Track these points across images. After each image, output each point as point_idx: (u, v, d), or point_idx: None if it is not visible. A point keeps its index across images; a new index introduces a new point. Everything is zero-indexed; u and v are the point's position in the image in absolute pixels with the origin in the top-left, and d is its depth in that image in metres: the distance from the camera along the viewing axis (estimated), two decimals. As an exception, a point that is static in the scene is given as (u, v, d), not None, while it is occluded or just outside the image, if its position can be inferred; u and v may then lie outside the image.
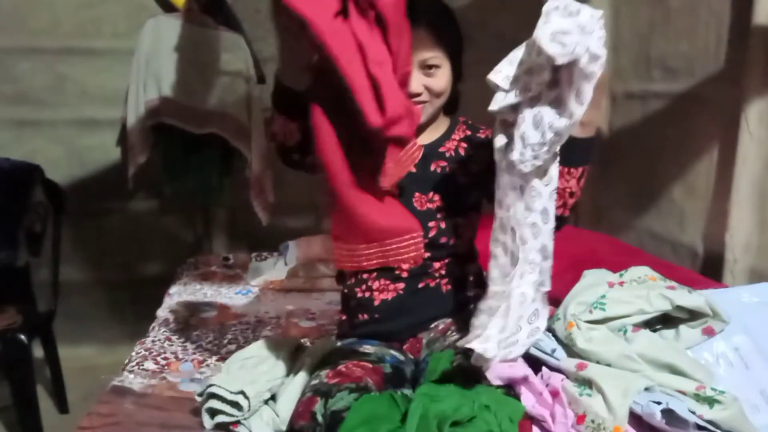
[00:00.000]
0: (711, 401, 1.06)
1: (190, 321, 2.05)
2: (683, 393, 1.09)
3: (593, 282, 1.32)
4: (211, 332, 1.96)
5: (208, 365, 1.73)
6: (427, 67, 1.34)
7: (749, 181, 1.88)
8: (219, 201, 2.92)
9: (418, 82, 1.33)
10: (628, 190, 2.61)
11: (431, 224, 1.40)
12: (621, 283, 1.30)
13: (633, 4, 2.57)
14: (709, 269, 2.01)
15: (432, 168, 1.43)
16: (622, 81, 2.66)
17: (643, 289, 1.25)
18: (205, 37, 2.64)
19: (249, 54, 2.69)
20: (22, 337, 2.15)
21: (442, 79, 1.36)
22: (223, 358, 1.77)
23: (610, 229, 2.49)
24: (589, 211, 2.88)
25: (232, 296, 2.31)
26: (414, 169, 1.38)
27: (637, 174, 2.55)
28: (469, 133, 1.47)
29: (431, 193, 1.41)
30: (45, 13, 2.71)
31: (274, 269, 2.48)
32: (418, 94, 1.35)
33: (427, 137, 1.45)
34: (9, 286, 2.28)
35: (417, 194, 1.40)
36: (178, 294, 2.30)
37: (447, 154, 1.44)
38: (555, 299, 1.58)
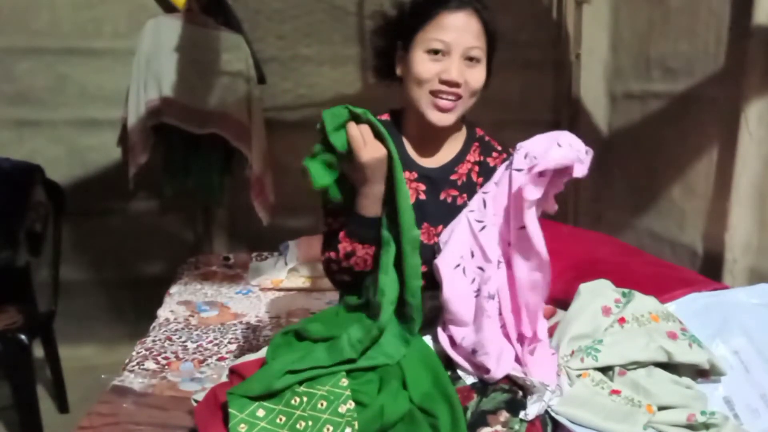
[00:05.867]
0: (706, 426, 1.07)
1: (190, 321, 2.05)
2: (676, 426, 1.09)
3: (590, 301, 1.29)
4: (211, 332, 1.96)
5: (208, 365, 1.74)
6: (469, 59, 1.23)
7: (749, 181, 1.88)
8: (219, 201, 2.92)
9: (459, 71, 1.22)
10: (628, 190, 2.61)
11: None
12: (621, 320, 1.25)
13: (633, 4, 2.57)
14: (709, 269, 2.01)
15: (442, 197, 1.32)
16: (622, 81, 2.66)
17: (643, 336, 1.20)
18: (206, 38, 2.64)
19: (249, 54, 2.70)
20: (23, 337, 2.15)
21: (480, 74, 1.25)
22: (223, 358, 1.77)
23: (610, 229, 2.49)
24: (589, 211, 2.88)
25: (233, 296, 2.31)
26: (423, 197, 1.31)
27: (636, 174, 2.55)
28: (482, 158, 1.35)
29: (441, 227, 1.30)
30: (45, 13, 2.71)
31: (275, 269, 2.48)
32: (458, 85, 1.22)
33: (442, 155, 1.34)
34: (9, 286, 2.27)
35: (425, 225, 1.30)
36: (179, 294, 2.31)
37: (459, 182, 1.33)
38: (555, 299, 1.58)
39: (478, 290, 1.19)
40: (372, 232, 1.22)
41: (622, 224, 2.60)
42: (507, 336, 1.19)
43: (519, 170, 1.19)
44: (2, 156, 2.39)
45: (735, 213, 1.92)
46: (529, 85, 2.98)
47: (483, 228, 1.21)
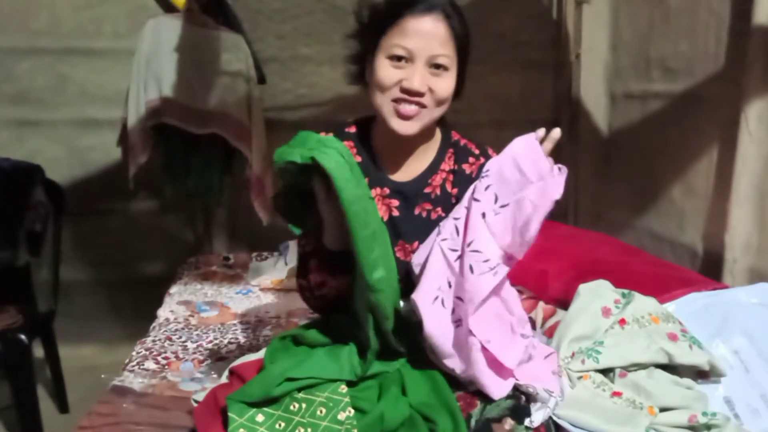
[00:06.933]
0: (707, 427, 1.07)
1: (190, 321, 2.05)
2: (678, 427, 1.09)
3: (590, 302, 1.29)
4: (211, 332, 1.96)
5: (208, 365, 1.74)
6: (435, 66, 1.16)
7: (749, 181, 1.88)
8: (219, 201, 2.92)
9: (422, 80, 1.15)
10: (628, 190, 2.61)
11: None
12: (622, 321, 1.25)
13: (633, 4, 2.57)
14: (709, 269, 2.01)
15: (416, 212, 1.26)
16: (622, 81, 2.66)
17: (644, 338, 1.20)
18: (206, 38, 2.64)
19: (249, 54, 2.70)
20: (23, 337, 2.15)
21: (447, 83, 1.17)
22: (223, 358, 1.77)
23: (610, 229, 2.49)
24: (589, 211, 2.88)
25: (233, 296, 2.31)
26: (397, 213, 1.25)
27: (636, 174, 2.55)
28: (456, 166, 1.27)
29: (416, 243, 1.24)
30: (45, 13, 2.71)
31: (275, 269, 2.48)
32: (421, 94, 1.15)
33: (414, 166, 1.26)
34: (9, 286, 2.27)
35: (401, 242, 1.25)
36: (179, 294, 2.31)
37: (432, 195, 1.26)
38: (555, 299, 1.59)
39: (459, 320, 1.15)
40: (338, 266, 1.19)
41: (622, 224, 2.60)
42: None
43: (477, 201, 1.16)
44: (2, 156, 2.39)
45: (735, 213, 1.91)
46: (529, 85, 2.98)
47: (458, 258, 1.16)
